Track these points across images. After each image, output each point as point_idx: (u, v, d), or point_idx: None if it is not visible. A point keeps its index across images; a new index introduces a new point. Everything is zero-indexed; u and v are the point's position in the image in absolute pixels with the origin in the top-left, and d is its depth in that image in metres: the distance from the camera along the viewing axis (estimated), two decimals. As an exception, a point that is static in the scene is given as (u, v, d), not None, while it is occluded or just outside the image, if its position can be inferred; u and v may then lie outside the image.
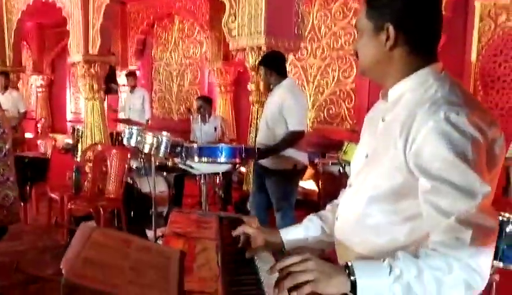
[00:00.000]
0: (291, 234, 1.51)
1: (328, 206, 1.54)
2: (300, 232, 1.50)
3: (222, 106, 8.03)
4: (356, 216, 1.27)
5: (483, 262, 1.00)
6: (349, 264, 1.02)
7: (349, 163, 3.04)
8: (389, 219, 1.18)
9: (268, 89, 3.64)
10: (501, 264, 2.43)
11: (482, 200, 1.02)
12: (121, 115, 7.49)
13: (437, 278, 0.98)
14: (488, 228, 1.02)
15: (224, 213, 2.04)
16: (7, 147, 2.60)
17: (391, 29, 1.17)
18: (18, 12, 8.06)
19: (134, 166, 5.16)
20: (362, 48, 1.26)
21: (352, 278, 0.99)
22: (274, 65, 3.58)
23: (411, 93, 1.17)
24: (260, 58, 3.76)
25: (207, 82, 8.76)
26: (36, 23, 11.60)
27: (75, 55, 6.14)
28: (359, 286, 0.98)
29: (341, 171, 3.49)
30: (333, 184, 4.23)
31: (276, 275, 1.07)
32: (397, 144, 1.12)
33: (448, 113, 1.04)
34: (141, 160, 4.81)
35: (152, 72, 9.86)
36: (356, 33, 5.17)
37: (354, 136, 3.66)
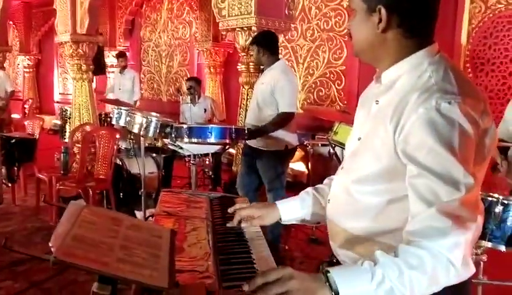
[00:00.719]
0: (287, 206, 1.52)
1: (325, 180, 1.55)
2: (297, 204, 1.52)
3: (211, 87, 7.98)
4: (346, 197, 1.28)
5: (459, 255, 1.00)
6: (329, 274, 1.00)
7: (339, 144, 3.05)
8: (379, 200, 1.19)
9: (259, 69, 3.62)
10: (489, 244, 2.46)
11: (465, 192, 1.02)
12: (110, 96, 7.41)
13: (417, 277, 0.98)
14: (469, 222, 1.02)
15: (214, 193, 2.04)
16: None
17: (383, 11, 1.14)
18: (3, -10, 7.88)
19: (123, 147, 5.12)
20: (355, 30, 1.23)
21: (334, 289, 0.98)
22: (267, 45, 3.54)
23: (405, 77, 1.16)
24: (252, 37, 3.72)
25: (196, 63, 8.69)
26: (22, 2, 11.36)
27: (62, 35, 6.03)
28: None
29: (331, 151, 3.50)
30: (323, 165, 4.23)
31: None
32: (387, 128, 1.11)
33: (440, 101, 1.04)
34: (130, 140, 4.77)
35: (141, 53, 9.75)
36: (347, 15, 5.16)
37: (345, 116, 3.66)
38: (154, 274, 0.94)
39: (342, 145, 2.94)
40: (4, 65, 8.92)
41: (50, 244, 0.91)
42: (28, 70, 12.11)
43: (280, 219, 1.52)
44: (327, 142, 3.70)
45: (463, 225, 1.01)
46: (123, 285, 0.99)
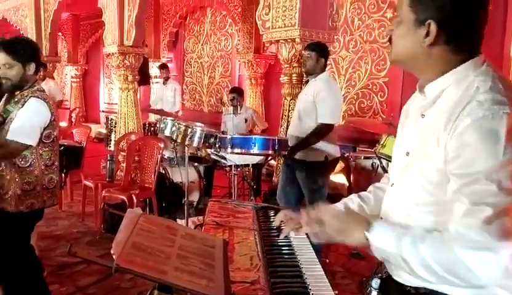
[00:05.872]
0: None
1: (370, 188, 1.53)
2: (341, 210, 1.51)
3: (252, 98, 8.03)
4: (399, 216, 1.26)
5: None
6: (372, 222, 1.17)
7: (387, 157, 3.00)
8: (432, 220, 1.16)
9: (302, 80, 3.64)
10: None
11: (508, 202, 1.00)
12: (154, 106, 7.60)
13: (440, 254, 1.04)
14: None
15: (258, 204, 2.06)
16: (55, 133, 2.72)
17: (433, 26, 1.11)
18: (54, 3, 8.24)
19: (166, 156, 5.22)
20: (398, 38, 1.20)
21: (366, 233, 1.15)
22: (324, 55, 3.60)
23: (451, 90, 1.14)
24: (310, 44, 3.74)
25: (238, 74, 8.77)
26: (71, 14, 11.82)
27: (110, 46, 6.23)
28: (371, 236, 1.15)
29: (377, 165, 3.44)
30: (366, 178, 4.16)
31: None
32: (439, 141, 1.10)
33: (488, 112, 1.02)
34: (174, 150, 4.86)
35: (184, 64, 9.93)
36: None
37: (391, 129, 3.60)
38: (211, 284, 0.96)
39: (390, 159, 2.90)
40: (54, 75, 9.31)
41: (112, 252, 0.94)
42: (75, 80, 12.54)
43: None
44: (370, 155, 3.66)
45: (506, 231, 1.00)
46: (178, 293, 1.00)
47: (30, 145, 2.57)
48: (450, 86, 1.14)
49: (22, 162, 2.58)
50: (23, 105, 2.55)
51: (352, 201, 1.51)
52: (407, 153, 1.24)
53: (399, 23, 1.19)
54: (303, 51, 3.68)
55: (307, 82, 3.76)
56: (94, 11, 7.32)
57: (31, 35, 8.71)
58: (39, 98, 2.59)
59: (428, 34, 1.12)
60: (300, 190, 3.68)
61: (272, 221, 1.67)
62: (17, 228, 2.68)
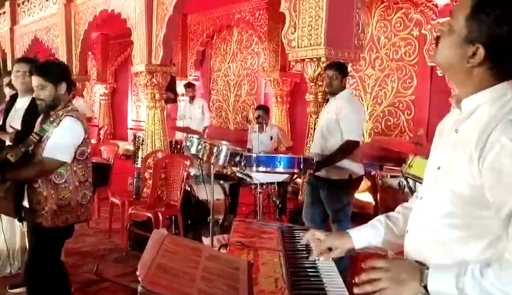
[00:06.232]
0: (360, 235, 1.51)
1: (398, 208, 1.52)
2: (369, 232, 1.50)
3: (278, 116, 8.05)
4: (426, 230, 1.24)
5: None
6: (425, 270, 1.14)
7: (414, 177, 2.95)
8: (459, 235, 1.15)
9: (332, 94, 3.66)
10: None
11: None
12: (180, 124, 7.69)
13: None
14: None
15: (284, 224, 2.05)
16: (88, 151, 2.82)
17: (482, 51, 1.10)
18: (85, 23, 8.49)
19: (192, 174, 5.26)
20: (445, 47, 1.19)
21: (423, 282, 1.12)
22: (346, 74, 3.65)
23: (486, 107, 1.13)
24: (331, 63, 3.77)
25: (263, 92, 8.82)
26: (100, 34, 12.14)
27: (138, 65, 6.37)
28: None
29: (404, 184, 3.39)
30: (392, 197, 4.09)
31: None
32: (472, 157, 1.08)
33: None
34: (200, 167, 4.90)
35: (210, 82, 10.05)
36: (417, 44, 5.01)
37: (418, 148, 3.54)
38: (235, 307, 0.95)
39: (416, 179, 2.85)
40: (83, 93, 9.54)
41: (138, 273, 0.94)
42: (104, 98, 12.83)
43: (354, 248, 1.50)
44: (397, 174, 3.60)
45: None
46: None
47: (65, 162, 2.67)
48: (486, 102, 1.13)
49: (58, 179, 2.68)
50: (58, 124, 2.66)
51: (380, 222, 1.49)
52: (438, 168, 1.24)
53: (450, 31, 1.18)
54: (325, 71, 3.70)
55: (327, 100, 3.78)
56: (123, 30, 7.50)
57: (62, 54, 9.00)
58: (73, 116, 2.70)
59: (474, 55, 1.12)
60: (325, 209, 3.65)
61: (298, 242, 1.65)
62: (51, 243, 2.77)
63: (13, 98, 3.56)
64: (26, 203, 2.73)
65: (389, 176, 4.31)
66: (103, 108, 12.86)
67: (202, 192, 4.75)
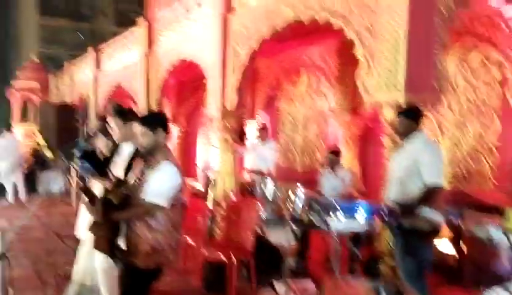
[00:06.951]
0: None
1: None
2: None
3: (348, 159, 7.88)
4: None
5: None
6: None
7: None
8: None
9: (405, 136, 3.57)
10: None
11: None
12: (250, 166, 7.75)
13: None
14: None
15: None
16: (182, 197, 3.00)
17: None
18: (163, 71, 8.93)
19: (264, 217, 5.24)
20: None
21: None
22: (417, 117, 3.61)
23: None
24: (402, 109, 3.69)
25: (333, 135, 8.71)
26: (175, 79, 12.69)
27: (212, 110, 6.56)
28: None
29: (495, 238, 3.15)
30: (481, 252, 3.74)
31: None
32: None
33: None
34: (272, 210, 4.88)
35: (278, 124, 10.09)
36: (501, 88, 4.78)
37: (503, 196, 3.31)
38: None
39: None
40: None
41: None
42: (177, 139, 13.27)
43: None
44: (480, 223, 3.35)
45: None
46: None
47: (163, 207, 2.78)
48: None
49: (154, 222, 2.80)
50: (157, 168, 2.81)
51: None
52: None
53: None
54: (399, 115, 3.65)
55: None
56: (195, 75, 7.80)
57: (142, 100, 9.53)
58: (171, 163, 2.84)
59: None
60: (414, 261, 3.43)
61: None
62: (141, 283, 2.88)
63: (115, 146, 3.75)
64: (121, 243, 2.85)
65: (475, 226, 4.03)
66: (176, 148, 13.27)
67: (274, 236, 4.71)
